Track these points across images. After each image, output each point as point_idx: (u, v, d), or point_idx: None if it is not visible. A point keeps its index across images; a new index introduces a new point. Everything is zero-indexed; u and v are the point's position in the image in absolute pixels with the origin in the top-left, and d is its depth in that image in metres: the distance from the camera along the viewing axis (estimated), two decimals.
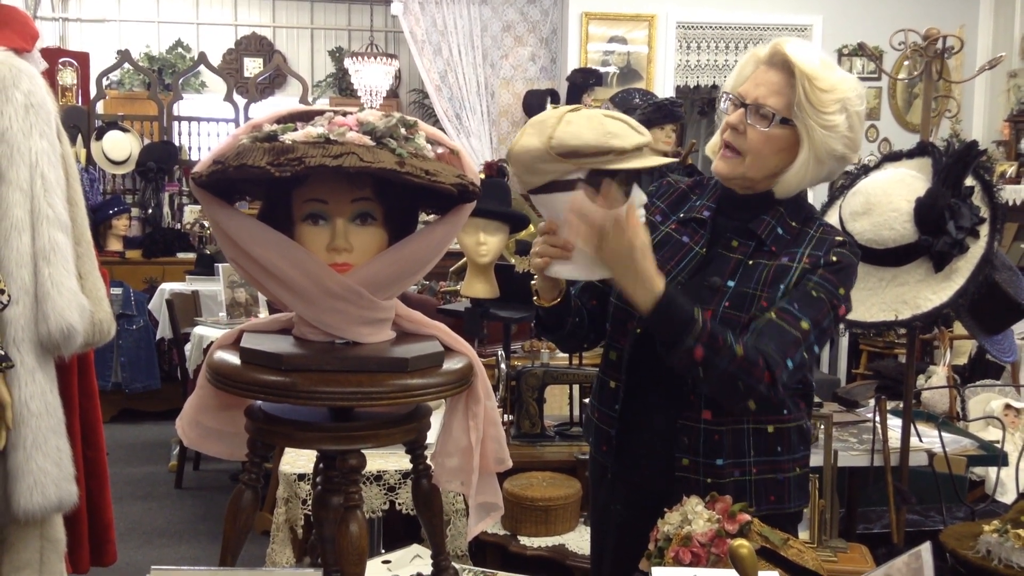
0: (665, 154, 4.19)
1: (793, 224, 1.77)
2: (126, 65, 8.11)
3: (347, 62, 8.52)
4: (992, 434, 3.50)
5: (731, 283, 1.73)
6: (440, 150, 1.40)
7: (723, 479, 1.73)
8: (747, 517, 1.52)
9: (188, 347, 5.01)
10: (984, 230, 2.53)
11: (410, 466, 1.53)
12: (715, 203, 1.82)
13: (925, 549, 1.29)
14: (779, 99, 1.70)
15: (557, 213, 1.58)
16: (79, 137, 7.07)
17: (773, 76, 1.72)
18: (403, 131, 1.34)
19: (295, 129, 1.32)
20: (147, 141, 7.53)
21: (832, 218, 2.69)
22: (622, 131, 1.53)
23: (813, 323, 1.66)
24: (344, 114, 1.35)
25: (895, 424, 2.94)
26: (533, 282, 1.77)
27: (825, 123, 1.67)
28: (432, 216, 1.50)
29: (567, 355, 3.83)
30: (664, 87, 6.96)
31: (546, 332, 1.86)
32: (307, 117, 1.37)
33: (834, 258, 1.72)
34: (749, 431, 1.76)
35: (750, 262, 1.75)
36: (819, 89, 1.66)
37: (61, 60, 7.72)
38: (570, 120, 1.53)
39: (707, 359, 1.58)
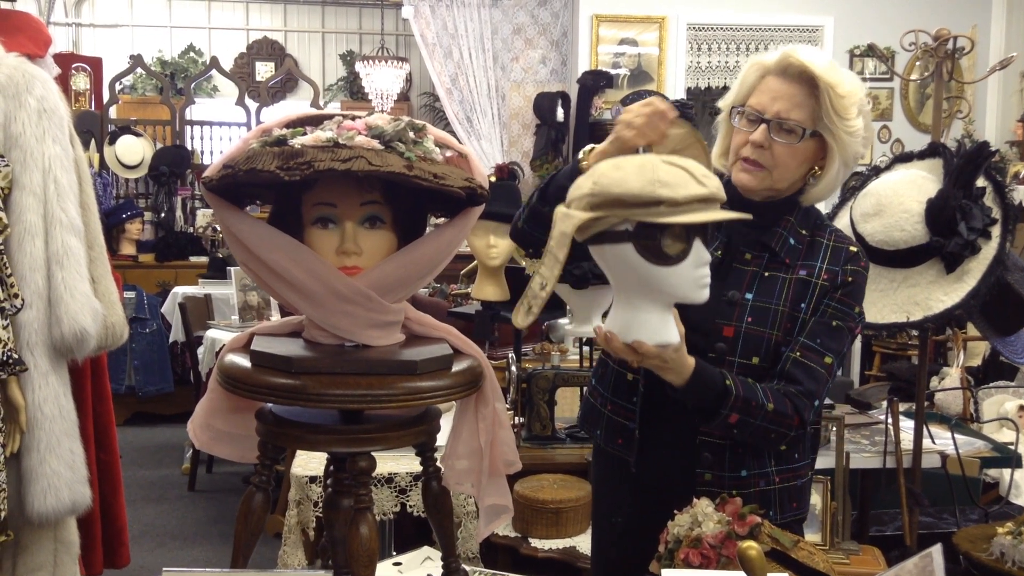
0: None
1: (804, 232, 1.77)
2: (139, 70, 8.17)
3: (358, 66, 8.54)
4: (1006, 436, 3.47)
5: (749, 296, 1.73)
6: (448, 153, 1.41)
7: (747, 489, 1.74)
8: (757, 519, 1.52)
9: (201, 350, 5.03)
10: (996, 231, 2.52)
11: (421, 468, 1.54)
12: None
13: (936, 551, 1.28)
14: (802, 112, 1.68)
15: (608, 266, 1.49)
16: (92, 142, 7.12)
17: (788, 88, 1.69)
18: (411, 135, 1.34)
19: (304, 133, 1.33)
20: (159, 145, 7.57)
21: (843, 220, 2.68)
22: (677, 180, 1.39)
23: (836, 354, 1.71)
24: (353, 118, 1.36)
25: (908, 426, 2.93)
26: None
27: (849, 129, 1.67)
28: (441, 219, 1.50)
29: (578, 357, 3.83)
30: (675, 89, 6.95)
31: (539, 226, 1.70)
32: (316, 121, 1.38)
33: (849, 278, 1.74)
34: None
35: (766, 274, 1.75)
36: (840, 96, 1.66)
37: (74, 65, 7.76)
38: (620, 165, 1.43)
39: (741, 421, 1.64)
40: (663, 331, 1.51)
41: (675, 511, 1.60)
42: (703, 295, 1.48)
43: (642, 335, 1.50)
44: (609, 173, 1.42)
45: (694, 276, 1.45)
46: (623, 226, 1.42)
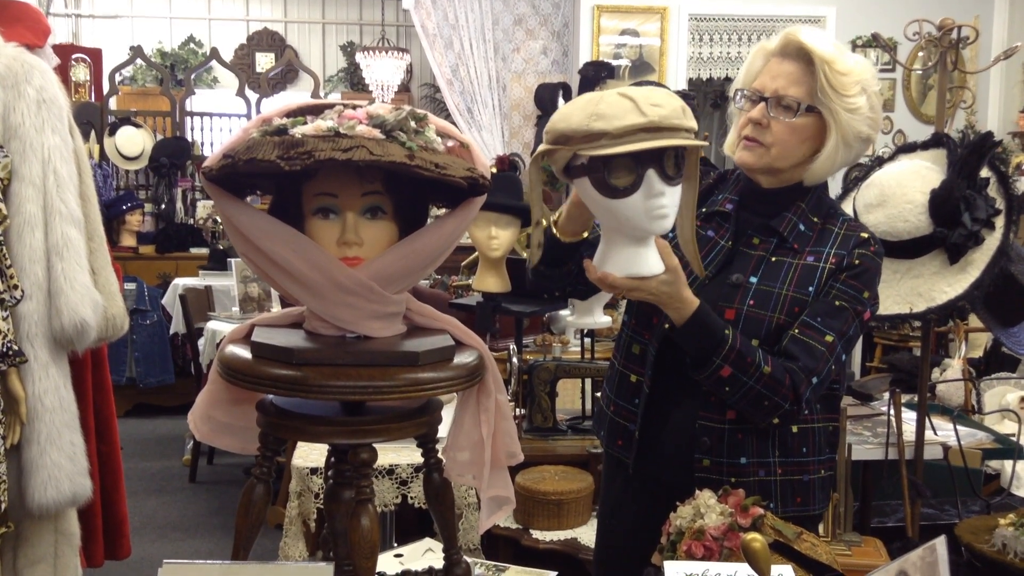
0: None
1: (815, 220, 1.76)
2: (138, 61, 8.15)
3: (358, 57, 8.52)
4: (1008, 427, 3.47)
5: (753, 279, 1.73)
6: (450, 143, 1.40)
7: (746, 478, 1.72)
8: (760, 511, 1.52)
9: (201, 342, 5.03)
10: (1000, 222, 2.51)
11: (422, 460, 1.53)
12: (738, 196, 1.81)
13: (940, 543, 1.28)
14: (800, 88, 1.69)
15: (583, 197, 1.53)
16: (92, 133, 7.10)
17: (788, 66, 1.70)
18: (413, 124, 1.33)
19: (305, 123, 1.32)
20: (160, 137, 7.55)
21: (847, 211, 2.67)
22: (616, 111, 1.39)
23: (838, 334, 1.68)
24: (354, 107, 1.35)
25: (910, 417, 2.92)
26: (561, 211, 1.69)
27: (849, 106, 1.67)
28: (443, 210, 1.49)
29: (580, 349, 3.82)
30: (676, 80, 6.93)
31: (542, 262, 1.73)
32: (317, 111, 1.37)
33: (856, 261, 1.72)
34: (773, 431, 1.75)
35: (773, 259, 1.74)
36: (839, 73, 1.66)
37: (74, 56, 7.74)
38: (576, 99, 1.46)
39: (734, 377, 1.62)
40: (635, 264, 1.52)
41: (678, 503, 1.59)
42: (659, 226, 1.48)
43: (612, 267, 1.53)
44: (562, 109, 1.46)
45: (645, 207, 1.44)
46: (580, 160, 1.45)
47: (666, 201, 1.45)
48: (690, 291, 1.61)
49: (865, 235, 1.76)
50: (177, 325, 5.70)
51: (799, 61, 1.69)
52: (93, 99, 7.71)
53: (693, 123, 1.43)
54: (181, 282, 5.94)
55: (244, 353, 1.37)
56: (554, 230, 1.69)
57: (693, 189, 1.57)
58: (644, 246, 1.53)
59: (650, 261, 1.53)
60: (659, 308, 1.64)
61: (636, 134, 1.38)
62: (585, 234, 1.69)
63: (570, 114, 1.43)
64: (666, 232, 1.51)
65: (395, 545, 2.41)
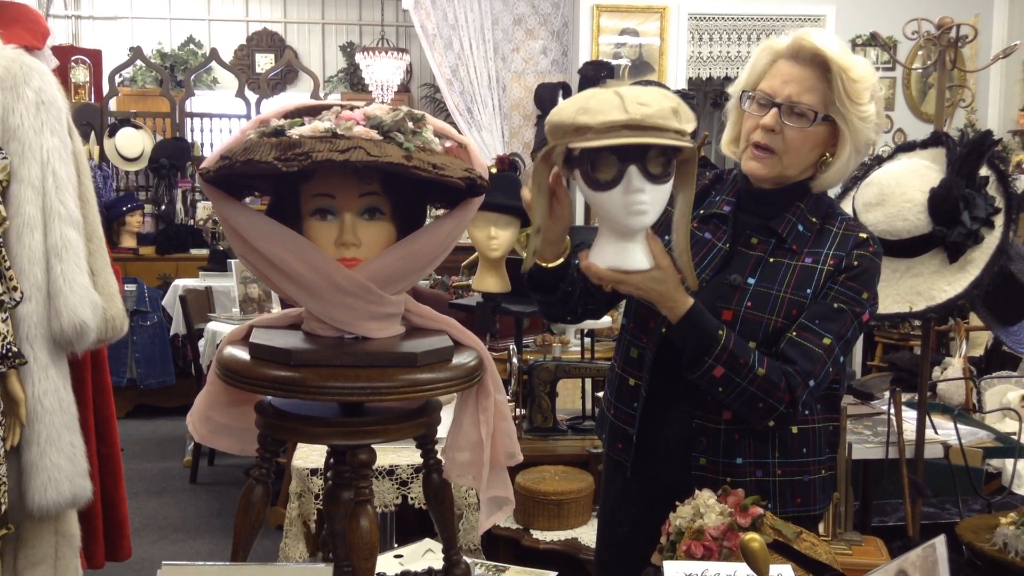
0: None
1: (813, 220, 1.75)
2: (138, 62, 8.15)
3: (358, 57, 8.53)
4: (1008, 426, 3.46)
5: (751, 280, 1.72)
6: (448, 144, 1.39)
7: (743, 478, 1.72)
8: (759, 510, 1.52)
9: (202, 343, 5.03)
10: (999, 220, 2.51)
11: (422, 460, 1.53)
12: (735, 197, 1.80)
13: (940, 542, 1.28)
14: (813, 95, 1.66)
15: (579, 188, 1.54)
16: (92, 134, 7.10)
17: (800, 71, 1.67)
18: (410, 125, 1.33)
19: (302, 124, 1.32)
20: (159, 138, 7.55)
21: (846, 209, 2.67)
22: (602, 107, 1.41)
23: (836, 337, 1.67)
24: (351, 108, 1.35)
25: (910, 416, 2.92)
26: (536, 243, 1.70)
27: (862, 114, 1.66)
28: (441, 210, 1.49)
29: (580, 349, 3.82)
30: (676, 79, 6.92)
31: (537, 291, 1.76)
32: (314, 112, 1.37)
33: (855, 262, 1.71)
34: (772, 432, 1.74)
35: (771, 259, 1.73)
36: (853, 80, 1.64)
37: (74, 57, 7.75)
38: (576, 95, 1.48)
39: (727, 378, 1.61)
40: (620, 257, 1.55)
41: (677, 503, 1.59)
42: (637, 222, 1.50)
43: (598, 258, 1.56)
44: (560, 103, 1.49)
45: (624, 202, 1.47)
46: (574, 153, 1.48)
47: (645, 198, 1.47)
48: (684, 291, 1.60)
49: (864, 235, 1.75)
50: (177, 326, 5.70)
51: (812, 66, 1.66)
52: (93, 100, 7.72)
53: (683, 126, 1.43)
54: (181, 283, 5.94)
55: (242, 355, 1.37)
56: (538, 258, 1.69)
57: (688, 199, 1.57)
58: (630, 241, 1.54)
59: (635, 256, 1.55)
60: (656, 312, 1.64)
61: (618, 130, 1.41)
62: (562, 259, 1.70)
63: (563, 108, 1.46)
64: (644, 228, 1.52)
65: (395, 546, 2.41)
